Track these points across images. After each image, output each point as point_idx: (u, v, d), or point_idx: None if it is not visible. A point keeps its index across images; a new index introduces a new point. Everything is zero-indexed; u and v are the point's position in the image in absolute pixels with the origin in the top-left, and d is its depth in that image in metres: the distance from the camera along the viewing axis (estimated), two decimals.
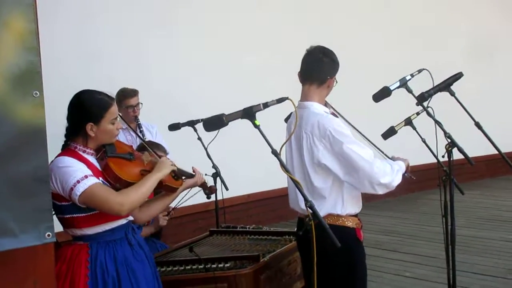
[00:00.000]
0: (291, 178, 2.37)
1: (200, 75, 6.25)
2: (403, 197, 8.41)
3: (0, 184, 1.76)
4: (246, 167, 6.61)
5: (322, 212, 2.50)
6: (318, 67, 2.74)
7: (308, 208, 2.28)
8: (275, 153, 2.36)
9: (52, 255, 1.97)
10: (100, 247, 2.43)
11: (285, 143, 2.46)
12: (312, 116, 2.72)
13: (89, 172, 2.36)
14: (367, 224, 6.74)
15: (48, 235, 1.87)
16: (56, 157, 2.38)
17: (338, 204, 2.72)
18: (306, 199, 2.29)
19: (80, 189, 2.30)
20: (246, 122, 2.45)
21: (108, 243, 2.44)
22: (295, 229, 2.95)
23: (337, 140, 2.64)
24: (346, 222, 2.73)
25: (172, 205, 3.55)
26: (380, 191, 2.67)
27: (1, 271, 1.85)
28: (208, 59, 6.22)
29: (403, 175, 2.79)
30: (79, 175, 2.32)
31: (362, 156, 2.64)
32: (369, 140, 2.95)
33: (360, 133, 2.99)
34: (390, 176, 2.68)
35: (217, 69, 6.34)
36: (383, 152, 2.92)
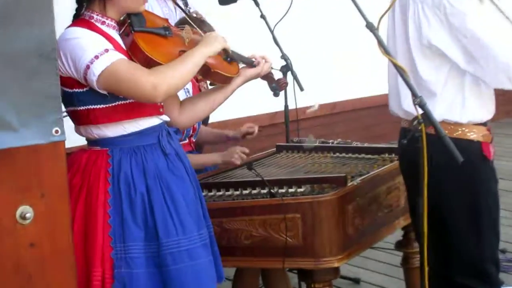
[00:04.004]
0: (393, 63, 2.36)
1: None
2: None
3: None
4: (331, 65, 6.58)
5: None
6: None
7: (417, 106, 2.29)
8: (370, 26, 2.36)
9: (63, 160, 2.04)
10: (124, 155, 2.51)
11: (385, 13, 2.46)
12: None
13: (110, 45, 2.42)
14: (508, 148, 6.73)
15: (57, 131, 1.92)
16: (65, 29, 2.44)
17: (456, 106, 2.71)
18: (414, 94, 2.31)
19: (100, 66, 2.35)
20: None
21: (135, 150, 2.52)
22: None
23: (458, 10, 2.57)
24: (468, 134, 2.73)
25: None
26: None
27: (2, 174, 1.94)
28: None
29: None
30: (98, 48, 2.37)
31: (495, 35, 2.58)
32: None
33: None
34: None
35: None
36: None
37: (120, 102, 2.47)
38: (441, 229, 2.73)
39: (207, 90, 2.87)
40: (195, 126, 3.64)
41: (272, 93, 3.05)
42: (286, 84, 3.15)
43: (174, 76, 2.44)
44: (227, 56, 2.70)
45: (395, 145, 3.14)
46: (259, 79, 2.91)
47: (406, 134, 2.63)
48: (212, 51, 2.57)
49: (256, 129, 3.72)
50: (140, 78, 2.38)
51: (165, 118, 2.64)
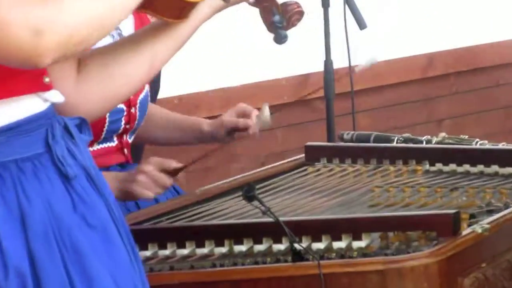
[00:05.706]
0: None
1: None
2: None
3: None
4: None
5: None
6: None
7: None
8: None
9: None
10: None
11: None
12: None
13: None
14: None
15: None
16: None
17: None
18: None
19: None
20: None
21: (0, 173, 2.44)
22: None
23: None
24: None
25: None
26: None
27: None
28: None
29: None
30: None
31: None
32: None
33: None
34: None
35: None
36: None
37: None
38: None
39: (140, 30, 2.86)
40: (132, 112, 3.62)
41: (272, 36, 3.07)
42: (301, 13, 3.13)
43: (78, 11, 2.29)
44: None
45: None
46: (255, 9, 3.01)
47: None
48: None
49: (253, 114, 3.49)
50: (6, 13, 2.20)
51: (55, 97, 2.47)
